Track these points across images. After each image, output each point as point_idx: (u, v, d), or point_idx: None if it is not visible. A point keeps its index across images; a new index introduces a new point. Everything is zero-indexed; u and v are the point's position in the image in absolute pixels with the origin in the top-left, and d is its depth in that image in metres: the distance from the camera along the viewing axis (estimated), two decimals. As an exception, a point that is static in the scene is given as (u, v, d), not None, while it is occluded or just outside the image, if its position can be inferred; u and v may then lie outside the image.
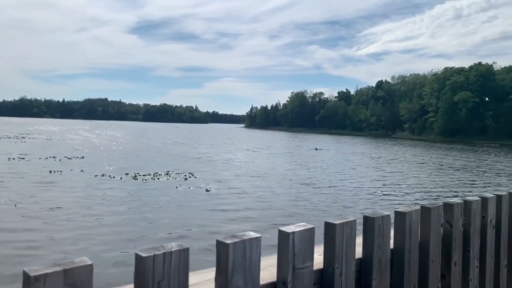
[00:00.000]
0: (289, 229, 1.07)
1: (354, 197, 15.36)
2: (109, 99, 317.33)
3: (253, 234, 0.99)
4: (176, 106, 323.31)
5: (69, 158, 24.80)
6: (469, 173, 24.59)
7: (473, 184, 19.82)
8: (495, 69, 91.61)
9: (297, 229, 1.07)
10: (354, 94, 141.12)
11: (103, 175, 18.06)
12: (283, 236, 1.06)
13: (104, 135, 63.73)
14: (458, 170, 26.02)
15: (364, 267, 1.29)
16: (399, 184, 18.98)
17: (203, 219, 10.81)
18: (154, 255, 0.83)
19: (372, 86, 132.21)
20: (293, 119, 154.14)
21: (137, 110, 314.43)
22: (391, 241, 1.42)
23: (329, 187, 17.41)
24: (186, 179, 18.16)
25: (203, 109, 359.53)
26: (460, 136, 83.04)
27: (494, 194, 1.95)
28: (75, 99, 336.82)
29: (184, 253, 0.87)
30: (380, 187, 17.91)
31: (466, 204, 1.73)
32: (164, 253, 0.84)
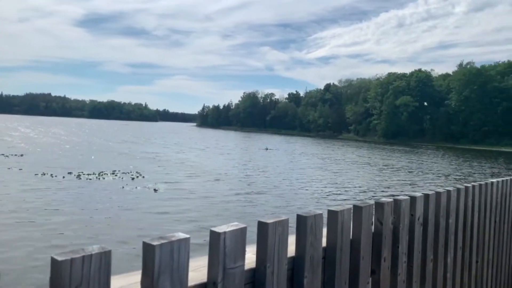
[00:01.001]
0: (220, 229, 1.06)
1: (301, 196, 15.72)
2: (53, 94, 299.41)
3: (182, 235, 0.98)
4: (125, 103, 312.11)
5: (6, 156, 23.11)
6: (409, 173, 26.08)
7: (413, 183, 21.04)
8: (433, 75, 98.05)
9: (229, 228, 1.07)
10: (304, 96, 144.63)
11: (44, 174, 17.06)
12: (214, 236, 1.05)
13: (47, 132, 60.06)
14: (399, 170, 27.50)
15: (296, 265, 1.32)
16: (344, 184, 19.70)
17: (145, 221, 10.53)
18: (72, 259, 0.78)
19: (320, 89, 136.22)
20: (245, 119, 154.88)
21: (82, 106, 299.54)
22: (324, 239, 1.46)
23: (278, 186, 17.68)
24: (133, 178, 17.62)
25: (153, 107, 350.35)
26: (401, 138, 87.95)
27: (422, 193, 2.07)
28: (15, 93, 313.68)
29: (105, 256, 0.84)
30: (325, 187, 18.48)
31: (396, 202, 1.82)
32: (83, 256, 0.80)
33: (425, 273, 2.06)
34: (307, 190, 17.24)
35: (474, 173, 27.49)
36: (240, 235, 1.10)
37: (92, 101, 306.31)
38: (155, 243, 0.91)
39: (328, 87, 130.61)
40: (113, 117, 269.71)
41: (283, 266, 1.23)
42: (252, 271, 1.19)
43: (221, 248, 1.04)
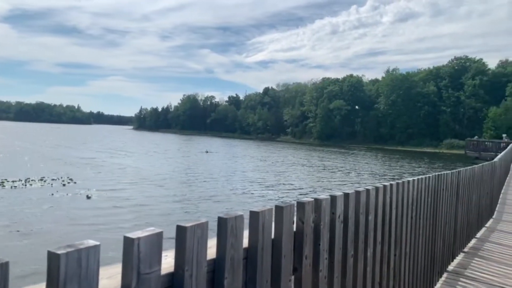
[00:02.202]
0: (134, 234, 1.05)
1: (242, 199, 15.82)
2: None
3: (91, 242, 0.95)
4: (55, 105, 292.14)
5: None
6: (347, 174, 27.35)
7: (352, 182, 22.08)
8: (363, 81, 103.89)
9: (144, 234, 1.06)
10: (243, 99, 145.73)
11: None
12: (128, 242, 1.04)
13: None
14: (339, 171, 28.74)
15: (217, 267, 1.33)
16: (286, 185, 20.14)
17: (68, 230, 9.96)
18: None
19: (259, 92, 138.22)
20: (185, 122, 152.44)
21: (7, 108, 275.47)
22: (246, 240, 1.49)
23: (219, 191, 17.63)
24: (64, 185, 16.62)
25: (86, 109, 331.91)
26: (335, 140, 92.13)
27: (342, 192, 2.19)
28: None
29: (3, 268, 0.79)
30: (268, 189, 18.77)
31: (317, 202, 1.91)
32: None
33: (346, 268, 2.18)
34: (249, 193, 17.39)
35: (404, 173, 29.53)
36: (156, 240, 1.09)
37: (18, 103, 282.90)
38: (60, 251, 0.88)
39: (266, 90, 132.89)
40: (42, 120, 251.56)
41: (202, 268, 1.24)
42: (171, 275, 1.19)
43: (135, 254, 1.03)
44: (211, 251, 1.36)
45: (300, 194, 17.44)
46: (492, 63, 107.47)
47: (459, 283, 4.43)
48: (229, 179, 21.54)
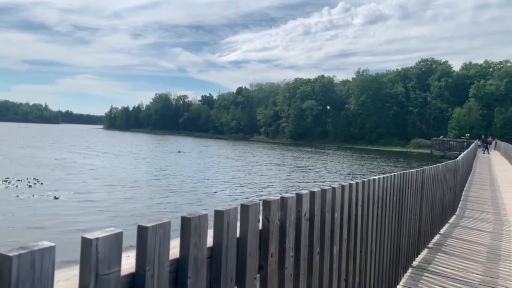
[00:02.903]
0: (93, 235, 1.03)
1: (216, 200, 15.75)
2: None
3: (46, 244, 0.93)
4: (21, 104, 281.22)
5: None
6: (313, 171, 27.72)
7: (316, 181, 22.40)
8: (335, 81, 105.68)
9: (102, 234, 1.05)
10: (217, 98, 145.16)
11: None
12: (85, 243, 1.02)
13: None
14: (312, 170, 29.08)
15: (180, 266, 1.33)
16: (261, 185, 20.19)
17: (35, 231, 9.64)
18: None
19: (233, 92, 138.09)
20: (157, 121, 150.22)
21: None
22: (211, 239, 1.49)
23: (192, 192, 17.48)
24: (30, 186, 16.04)
25: (54, 107, 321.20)
26: (307, 139, 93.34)
27: (308, 191, 2.23)
28: None
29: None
30: (242, 188, 18.76)
31: (283, 200, 1.93)
32: None
33: (312, 265, 2.21)
34: (222, 193, 17.33)
35: (374, 171, 30.24)
36: (115, 240, 1.08)
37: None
38: (12, 253, 0.85)
39: (240, 90, 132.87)
40: (7, 119, 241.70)
41: (164, 268, 1.24)
42: (132, 275, 1.18)
43: (92, 255, 1.01)
44: (175, 251, 1.36)
45: (271, 194, 17.54)
46: (456, 65, 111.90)
47: (423, 277, 4.58)
48: (201, 180, 21.39)
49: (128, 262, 1.26)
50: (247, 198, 16.10)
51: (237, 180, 21.58)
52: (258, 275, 1.78)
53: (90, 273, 1.01)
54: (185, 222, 1.34)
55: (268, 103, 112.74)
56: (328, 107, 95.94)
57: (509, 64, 78.86)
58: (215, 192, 17.48)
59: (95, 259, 1.02)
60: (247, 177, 23.10)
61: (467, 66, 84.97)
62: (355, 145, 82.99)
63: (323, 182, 22.35)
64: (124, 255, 1.34)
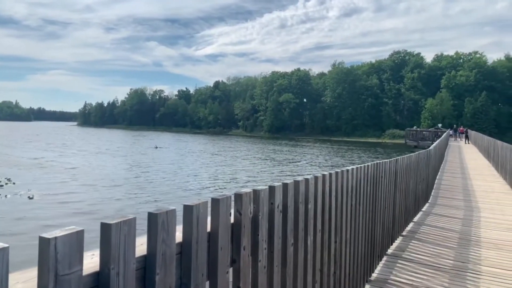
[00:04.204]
0: (51, 234, 0.99)
1: (186, 194, 15.64)
2: None
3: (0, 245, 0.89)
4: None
5: None
6: (292, 164, 27.93)
7: (293, 173, 22.57)
8: (311, 74, 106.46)
9: (61, 233, 1.01)
10: (194, 93, 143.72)
11: None
12: (43, 243, 0.98)
13: None
14: (284, 162, 29.26)
15: (148, 263, 1.30)
16: (244, 180, 20.15)
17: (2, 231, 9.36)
18: None
19: (210, 86, 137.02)
20: (132, 117, 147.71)
21: None
22: (181, 235, 1.47)
23: (165, 187, 17.30)
24: (2, 186, 15.53)
25: (25, 105, 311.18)
26: (284, 132, 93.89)
27: (281, 183, 2.22)
28: None
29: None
30: (215, 183, 18.70)
31: (255, 193, 1.92)
32: None
33: (286, 256, 2.22)
34: (200, 189, 17.24)
35: (351, 162, 30.70)
36: (76, 239, 1.04)
37: None
38: (-40, 257, 0.81)
39: (217, 84, 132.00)
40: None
41: (130, 266, 1.20)
42: (96, 274, 1.15)
43: (51, 255, 0.97)
44: (143, 248, 1.33)
45: (246, 187, 17.55)
46: (429, 57, 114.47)
47: (397, 265, 4.69)
48: (179, 175, 21.21)
49: (92, 261, 1.22)
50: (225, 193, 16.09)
51: (215, 175, 21.51)
52: (231, 269, 1.77)
53: (49, 273, 0.97)
54: (152, 218, 1.31)
55: (245, 96, 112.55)
56: (305, 100, 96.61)
57: (478, 56, 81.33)
58: (194, 187, 17.37)
59: (53, 259, 0.98)
60: (226, 172, 23.06)
61: (438, 58, 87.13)
62: (332, 137, 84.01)
63: (301, 174, 22.56)
64: (89, 254, 1.30)
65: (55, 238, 0.98)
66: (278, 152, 40.55)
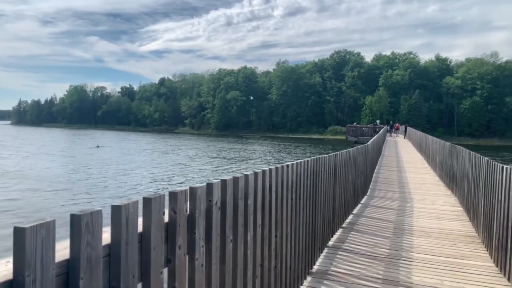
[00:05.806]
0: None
1: (125, 194, 15.16)
2: None
3: None
4: None
5: None
6: (239, 161, 28.03)
7: (239, 169, 22.66)
8: (257, 72, 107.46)
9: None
10: (138, 90, 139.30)
11: None
12: None
13: None
14: (231, 159, 29.27)
15: (71, 268, 1.23)
16: (178, 177, 19.84)
17: None
18: None
19: (155, 83, 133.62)
20: (72, 115, 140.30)
21: None
22: (109, 236, 1.40)
23: (104, 188, 16.62)
24: None
25: None
26: (232, 130, 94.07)
27: (219, 179, 2.21)
28: None
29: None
30: (157, 183, 18.27)
31: (192, 190, 1.89)
32: None
33: (225, 253, 2.21)
34: (140, 189, 16.74)
35: (296, 158, 31.40)
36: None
37: None
38: None
39: (163, 81, 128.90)
40: None
41: (49, 271, 1.13)
42: (9, 283, 1.06)
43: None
44: (65, 252, 1.25)
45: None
46: (368, 56, 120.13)
47: (338, 256, 4.88)
48: (119, 176, 20.45)
49: (7, 269, 1.13)
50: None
51: (158, 175, 21.01)
52: (166, 269, 1.72)
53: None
54: (75, 220, 1.24)
55: (192, 94, 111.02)
56: (251, 98, 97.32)
57: (411, 56, 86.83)
58: (132, 188, 16.84)
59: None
60: (171, 171, 22.62)
61: (377, 57, 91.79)
62: (278, 134, 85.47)
63: (247, 170, 22.71)
64: (4, 261, 1.20)
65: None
66: (226, 150, 40.49)
